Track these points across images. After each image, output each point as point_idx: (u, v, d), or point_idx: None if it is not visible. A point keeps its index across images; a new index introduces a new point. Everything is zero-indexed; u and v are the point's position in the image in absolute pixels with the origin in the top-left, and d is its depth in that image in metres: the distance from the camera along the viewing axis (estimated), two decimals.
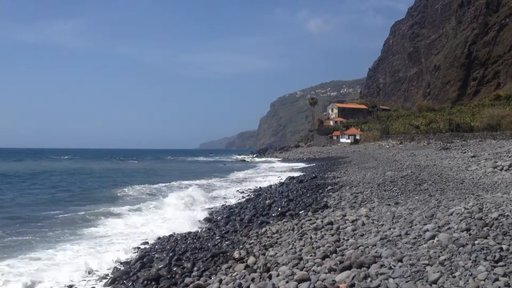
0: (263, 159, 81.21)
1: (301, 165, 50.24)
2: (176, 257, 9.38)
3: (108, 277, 8.69)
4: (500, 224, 6.61)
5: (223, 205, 18.33)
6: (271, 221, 12.40)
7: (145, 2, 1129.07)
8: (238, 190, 24.44)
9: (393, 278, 5.44)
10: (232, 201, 19.67)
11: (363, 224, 9.11)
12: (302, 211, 13.31)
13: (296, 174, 32.12)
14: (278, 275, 6.75)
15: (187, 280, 7.89)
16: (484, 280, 4.85)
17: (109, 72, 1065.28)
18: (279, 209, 14.80)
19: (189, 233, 12.12)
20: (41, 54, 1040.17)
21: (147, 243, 11.42)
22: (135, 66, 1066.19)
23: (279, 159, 73.34)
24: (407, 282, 5.27)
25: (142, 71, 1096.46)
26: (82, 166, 59.74)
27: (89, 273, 8.99)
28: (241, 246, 9.61)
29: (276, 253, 8.18)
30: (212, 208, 17.65)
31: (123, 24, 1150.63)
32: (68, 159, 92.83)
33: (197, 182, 30.39)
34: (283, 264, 7.25)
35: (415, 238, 6.94)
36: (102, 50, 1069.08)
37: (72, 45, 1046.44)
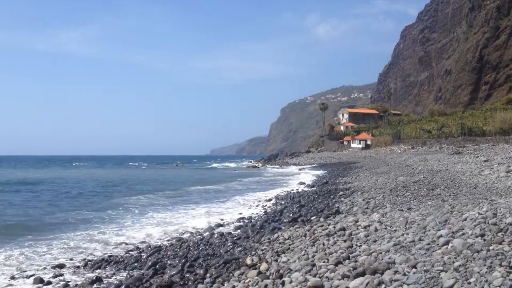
0: (273, 165, 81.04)
1: (312, 170, 50.10)
2: (188, 264, 9.40)
3: (122, 284, 8.70)
4: None
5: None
6: (283, 227, 12.39)
7: (154, 10, 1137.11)
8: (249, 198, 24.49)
9: (408, 285, 5.41)
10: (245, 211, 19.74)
11: (376, 230, 9.07)
12: (314, 217, 13.28)
13: (307, 180, 32.06)
14: (291, 282, 6.75)
15: (200, 287, 7.91)
16: (499, 286, 4.80)
17: (118, 79, 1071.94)
18: (291, 215, 14.80)
19: (202, 239, 12.18)
20: (52, 61, 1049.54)
21: (160, 248, 11.48)
22: (144, 73, 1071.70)
23: (290, 165, 73.19)
24: None
25: (152, 78, 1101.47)
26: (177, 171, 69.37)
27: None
28: (253, 253, 9.61)
29: (288, 259, 8.17)
30: None
31: (132, 32, 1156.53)
32: (143, 167, 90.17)
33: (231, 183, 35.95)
34: (296, 271, 7.23)
35: (429, 244, 6.90)
36: (111, 57, 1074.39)
37: (82, 53, 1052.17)
